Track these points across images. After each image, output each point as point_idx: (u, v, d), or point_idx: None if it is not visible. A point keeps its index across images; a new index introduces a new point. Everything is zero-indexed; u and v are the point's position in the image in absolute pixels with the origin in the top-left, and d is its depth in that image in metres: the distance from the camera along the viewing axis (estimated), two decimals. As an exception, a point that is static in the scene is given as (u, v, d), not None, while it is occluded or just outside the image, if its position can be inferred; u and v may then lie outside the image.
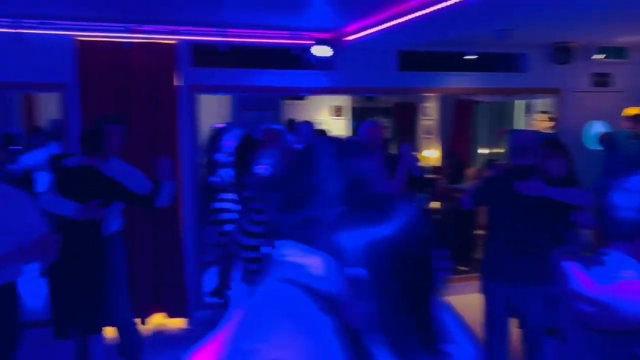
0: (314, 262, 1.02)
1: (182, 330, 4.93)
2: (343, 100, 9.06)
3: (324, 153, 1.08)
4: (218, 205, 5.45)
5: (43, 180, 4.95)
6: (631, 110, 5.65)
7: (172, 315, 4.95)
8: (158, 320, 4.93)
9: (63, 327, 3.57)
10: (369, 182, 1.06)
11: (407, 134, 9.27)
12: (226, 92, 6.54)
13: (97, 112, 4.56)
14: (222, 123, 6.82)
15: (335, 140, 1.17)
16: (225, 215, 5.34)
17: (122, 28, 4.45)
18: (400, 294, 0.92)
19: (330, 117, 8.91)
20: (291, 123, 8.26)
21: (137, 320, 4.77)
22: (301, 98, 8.70)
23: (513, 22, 4.39)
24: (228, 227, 5.18)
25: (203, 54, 4.84)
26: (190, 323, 4.98)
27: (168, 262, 4.88)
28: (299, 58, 4.97)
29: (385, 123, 10.36)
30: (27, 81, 4.56)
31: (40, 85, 4.66)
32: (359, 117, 9.57)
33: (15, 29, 4.21)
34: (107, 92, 4.60)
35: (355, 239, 0.94)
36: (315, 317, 0.96)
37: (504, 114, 9.02)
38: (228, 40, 4.70)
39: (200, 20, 4.53)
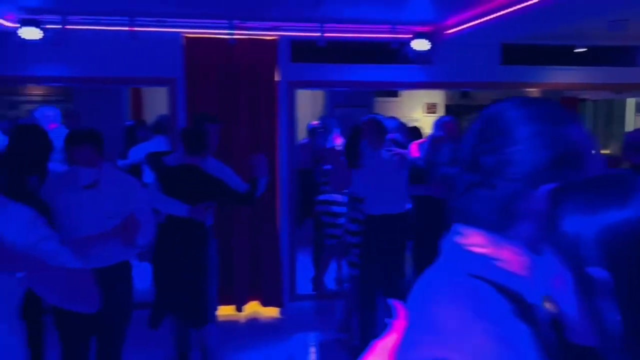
0: (508, 256, 0.82)
1: (275, 319, 5.05)
2: (437, 98, 8.89)
3: (522, 117, 0.86)
4: (324, 197, 5.39)
5: (149, 174, 5.22)
6: None
7: (266, 304, 5.08)
8: (253, 308, 5.08)
9: (162, 318, 3.70)
10: (583, 155, 0.84)
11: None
12: (324, 87, 6.60)
13: (201, 107, 4.77)
14: (315, 120, 6.91)
15: (534, 102, 0.90)
16: (334, 208, 5.33)
17: (227, 25, 4.61)
18: None
19: (424, 114, 8.77)
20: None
21: (233, 307, 4.95)
22: (394, 95, 8.62)
23: (628, 12, 4.10)
24: (332, 220, 5.24)
25: (302, 50, 4.93)
26: (283, 312, 5.09)
27: (265, 252, 5.01)
28: (396, 52, 4.92)
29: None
30: (139, 76, 4.85)
31: (150, 79, 4.94)
32: (453, 114, 9.34)
33: (130, 26, 4.48)
34: (210, 87, 4.80)
35: (583, 225, 0.72)
36: (512, 325, 0.78)
37: (612, 112, 8.47)
38: (327, 36, 4.75)
39: (300, 16, 4.61)
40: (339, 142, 5.53)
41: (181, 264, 3.61)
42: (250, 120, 4.86)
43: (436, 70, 5.11)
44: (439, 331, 0.79)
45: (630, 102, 7.89)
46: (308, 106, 7.42)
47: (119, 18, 4.43)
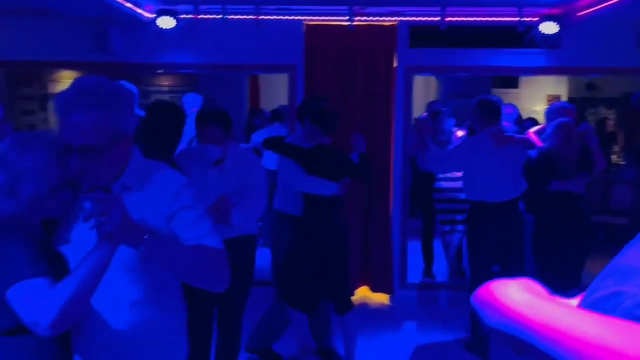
0: None
1: (385, 305, 5.05)
2: (560, 89, 8.42)
3: None
4: (438, 185, 5.27)
5: (269, 158, 5.42)
6: None
7: (375, 289, 5.10)
8: (362, 293, 5.12)
9: (318, 304, 3.70)
10: None
11: (635, 128, 8.28)
12: (442, 73, 6.47)
13: (319, 92, 4.87)
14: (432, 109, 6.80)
15: None
16: (447, 195, 5.24)
17: (347, 11, 4.67)
18: None
19: (545, 107, 8.33)
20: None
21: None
22: (513, 86, 8.28)
23: None
24: (446, 206, 5.16)
25: (420, 35, 4.87)
26: (392, 300, 5.08)
27: (376, 237, 5.03)
28: (520, 36, 4.72)
29: (608, 115, 9.38)
30: (261, 63, 5.05)
31: (272, 66, 5.13)
32: (578, 108, 8.79)
33: (256, 15, 4.68)
34: (329, 73, 4.88)
35: None
36: None
37: None
38: (448, 20, 4.65)
39: (420, 0, 4.56)
40: (459, 134, 5.39)
41: (331, 248, 3.61)
42: (366, 106, 4.89)
43: (565, 55, 4.83)
44: None
45: None
46: (421, 97, 7.33)
47: (245, 7, 4.64)
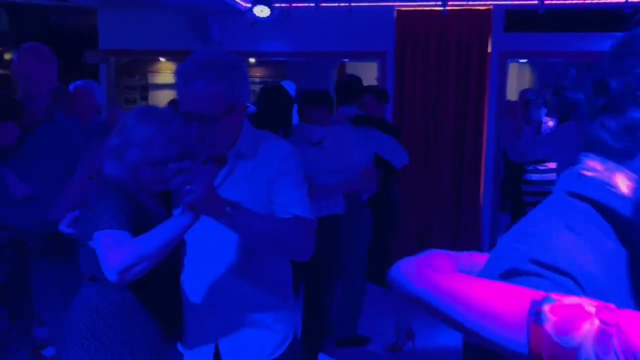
0: (619, 180, 0.79)
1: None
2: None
3: None
4: (530, 177, 5.10)
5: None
6: None
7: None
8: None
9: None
10: None
11: None
12: (539, 58, 6.21)
13: (410, 79, 4.86)
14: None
15: None
16: (539, 188, 5.06)
17: (440, -4, 4.62)
18: None
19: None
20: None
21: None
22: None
23: None
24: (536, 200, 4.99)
25: (516, 19, 4.72)
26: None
27: (466, 231, 4.96)
28: (625, 19, 4.45)
29: None
30: (352, 50, 5.09)
31: (363, 53, 5.15)
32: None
33: (347, 2, 4.73)
34: (420, 59, 4.85)
35: None
36: (604, 240, 0.76)
37: None
38: (547, 3, 4.48)
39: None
40: (550, 124, 5.17)
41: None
42: (459, 93, 4.82)
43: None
44: (528, 237, 0.81)
45: None
46: (514, 86, 7.09)
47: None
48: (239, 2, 4.80)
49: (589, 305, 0.65)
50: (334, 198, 3.25)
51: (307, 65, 7.24)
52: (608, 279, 0.75)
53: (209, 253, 1.67)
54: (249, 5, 4.79)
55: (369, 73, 5.76)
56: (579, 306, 0.65)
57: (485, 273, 0.85)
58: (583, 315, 0.64)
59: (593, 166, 0.82)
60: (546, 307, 0.67)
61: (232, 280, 1.67)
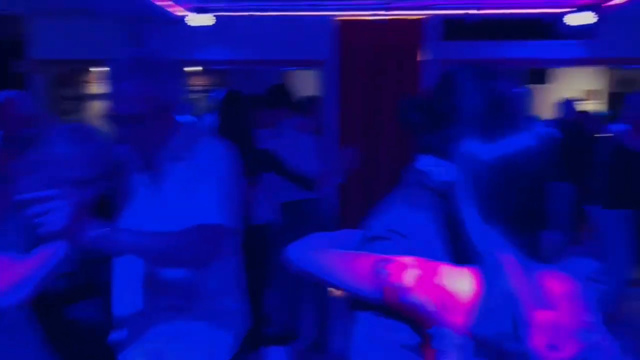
0: (446, 172, 1.10)
1: None
2: (597, 84, 8.23)
3: (466, 75, 1.16)
4: None
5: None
6: None
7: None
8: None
9: None
10: (508, 103, 1.12)
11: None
12: (475, 66, 6.42)
13: (350, 88, 4.91)
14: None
15: (477, 65, 1.23)
16: None
17: (379, 5, 4.68)
18: (513, 205, 1.01)
19: (580, 102, 8.16)
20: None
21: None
22: (540, 82, 8.14)
23: None
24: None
25: (452, 27, 4.85)
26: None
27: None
28: (553, 27, 4.66)
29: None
30: (292, 59, 5.10)
31: (302, 62, 5.17)
32: (615, 104, 8.60)
33: (285, 11, 4.73)
34: (360, 68, 4.90)
35: (484, 151, 1.02)
36: (429, 211, 1.13)
37: None
38: (479, 13, 4.62)
39: (451, -7, 4.55)
40: None
41: None
42: (397, 100, 4.89)
43: (598, 46, 4.75)
44: (387, 213, 1.17)
45: None
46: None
47: (276, 3, 4.69)
48: (177, 10, 4.72)
49: (411, 261, 1.01)
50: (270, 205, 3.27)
51: (250, 74, 7.19)
52: (431, 238, 1.10)
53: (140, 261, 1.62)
54: (188, 13, 4.73)
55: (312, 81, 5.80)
56: (405, 263, 1.01)
57: (362, 239, 1.20)
58: (408, 267, 1.00)
59: (426, 163, 1.19)
60: (385, 264, 1.02)
61: (168, 288, 1.63)
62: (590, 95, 8.29)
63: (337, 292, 1.24)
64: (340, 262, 1.12)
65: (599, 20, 4.53)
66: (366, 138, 4.94)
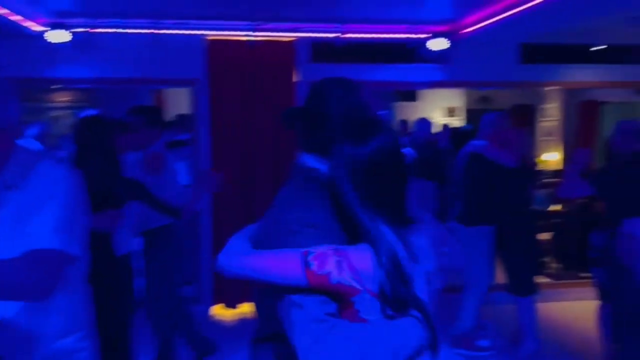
0: (324, 166, 1.39)
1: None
2: (457, 101, 8.90)
3: (331, 87, 1.51)
4: None
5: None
6: None
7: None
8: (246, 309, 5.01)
9: None
10: (365, 109, 1.44)
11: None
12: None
13: (223, 107, 4.88)
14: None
15: (341, 78, 1.60)
16: None
17: (248, 26, 4.72)
18: (379, 186, 1.33)
19: (444, 118, 8.79)
20: (404, 124, 8.26)
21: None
22: (413, 99, 8.67)
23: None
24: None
25: (321, 50, 5.01)
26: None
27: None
28: (414, 52, 4.98)
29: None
30: (161, 77, 4.97)
31: (173, 81, 5.07)
32: (473, 119, 9.36)
33: (153, 29, 4.62)
34: (232, 87, 4.89)
35: (352, 149, 1.33)
36: (324, 201, 1.38)
37: (633, 114, 8.38)
38: (345, 36, 4.82)
39: (319, 17, 4.69)
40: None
41: None
42: (271, 122, 4.94)
43: (454, 70, 5.14)
44: (293, 208, 1.43)
45: (654, 104, 7.81)
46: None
47: (143, 21, 4.56)
48: (33, 25, 4.43)
49: (329, 250, 1.27)
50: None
51: (119, 92, 6.90)
52: (331, 224, 1.35)
53: None
54: (45, 29, 4.45)
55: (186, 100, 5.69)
56: (325, 252, 1.27)
57: (269, 236, 1.43)
58: (328, 256, 1.26)
59: (309, 161, 1.48)
60: (310, 257, 1.26)
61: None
62: (451, 111, 8.93)
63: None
64: (268, 262, 1.32)
65: (455, 46, 4.92)
66: (240, 155, 4.93)
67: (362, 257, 1.27)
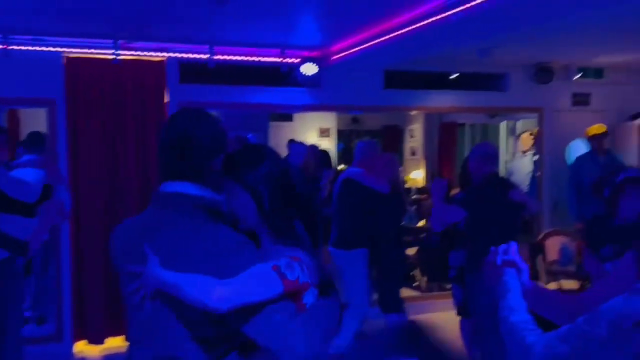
0: (206, 192, 1.55)
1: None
2: (329, 122, 9.16)
3: (195, 116, 1.61)
4: None
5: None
6: (591, 130, 5.60)
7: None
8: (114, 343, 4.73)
9: None
10: (225, 135, 1.61)
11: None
12: (214, 109, 6.58)
13: (83, 128, 4.59)
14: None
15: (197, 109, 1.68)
16: None
17: (111, 44, 4.50)
18: (280, 205, 1.59)
19: (317, 138, 8.99)
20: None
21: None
22: (288, 119, 8.79)
23: (494, 41, 4.51)
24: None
25: (191, 71, 4.91)
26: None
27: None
28: (287, 76, 5.05)
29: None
30: (15, 96, 4.57)
31: (28, 100, 4.67)
32: (345, 139, 9.69)
33: (5, 45, 4.25)
34: (95, 108, 4.62)
35: (250, 173, 1.57)
36: (213, 224, 1.53)
37: (487, 135, 9.17)
38: (216, 58, 4.77)
39: (188, 37, 4.60)
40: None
41: None
42: (139, 142, 4.73)
43: (324, 94, 5.29)
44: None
45: (503, 126, 8.61)
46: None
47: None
48: None
49: (289, 258, 1.49)
50: None
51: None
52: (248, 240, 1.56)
53: None
54: None
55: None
56: (289, 262, 1.48)
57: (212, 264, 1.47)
58: (293, 263, 1.48)
59: (203, 192, 1.59)
60: (283, 269, 1.46)
61: None
62: (324, 132, 9.17)
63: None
64: (248, 285, 1.42)
65: (326, 71, 5.06)
66: (101, 180, 4.66)
67: (303, 256, 1.52)
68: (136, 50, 4.65)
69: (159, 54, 4.75)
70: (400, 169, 4.72)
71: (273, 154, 1.63)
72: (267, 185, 1.56)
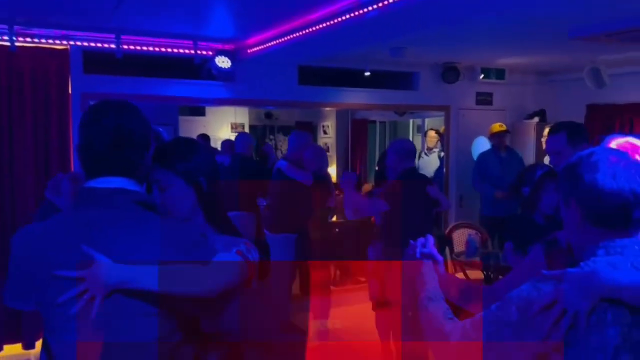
0: (141, 188, 1.53)
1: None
2: (243, 117, 9.05)
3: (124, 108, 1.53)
4: None
5: None
6: (493, 128, 5.97)
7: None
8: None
9: None
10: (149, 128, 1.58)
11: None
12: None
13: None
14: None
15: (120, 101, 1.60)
16: None
17: (6, 30, 4.18)
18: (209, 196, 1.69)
19: (229, 133, 8.86)
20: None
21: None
22: (201, 114, 8.59)
23: (405, 41, 4.65)
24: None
25: (96, 61, 4.66)
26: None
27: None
28: (200, 68, 4.92)
29: (286, 140, 10.49)
30: None
31: None
32: (258, 134, 9.62)
33: None
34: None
35: (186, 163, 1.66)
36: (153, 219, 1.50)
37: (396, 132, 9.47)
38: (124, 48, 4.56)
39: (93, 26, 4.36)
40: None
41: None
42: (38, 133, 4.43)
43: (239, 88, 5.22)
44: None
45: (412, 123, 8.92)
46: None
47: None
48: None
49: (242, 243, 1.59)
50: None
51: None
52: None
53: None
54: None
55: None
56: (247, 246, 1.57)
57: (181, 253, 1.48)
58: (249, 246, 1.58)
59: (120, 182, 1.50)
60: (245, 252, 1.54)
61: None
62: (236, 127, 9.06)
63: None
64: (223, 273, 1.47)
65: (240, 65, 4.98)
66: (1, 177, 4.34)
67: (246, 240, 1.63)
68: (36, 37, 4.35)
69: (61, 42, 4.47)
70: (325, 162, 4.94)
71: (204, 145, 1.69)
72: (206, 175, 1.60)
